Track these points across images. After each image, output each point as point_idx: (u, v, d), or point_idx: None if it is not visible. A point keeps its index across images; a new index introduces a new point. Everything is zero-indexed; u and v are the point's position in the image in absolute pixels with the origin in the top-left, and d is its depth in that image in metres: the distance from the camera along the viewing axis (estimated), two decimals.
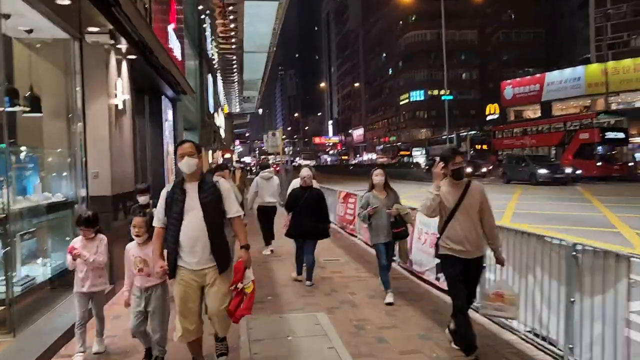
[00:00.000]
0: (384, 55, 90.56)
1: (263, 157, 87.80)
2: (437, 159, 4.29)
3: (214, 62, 22.47)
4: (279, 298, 6.39)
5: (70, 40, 6.16)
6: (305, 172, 7.23)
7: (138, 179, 8.11)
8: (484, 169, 37.82)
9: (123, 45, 6.98)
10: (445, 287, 5.10)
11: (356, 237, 11.13)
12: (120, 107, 6.91)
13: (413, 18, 76.81)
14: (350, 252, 9.58)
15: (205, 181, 3.81)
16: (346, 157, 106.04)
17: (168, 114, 11.61)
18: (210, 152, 25.10)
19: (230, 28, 19.26)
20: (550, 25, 74.38)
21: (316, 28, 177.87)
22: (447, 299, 5.23)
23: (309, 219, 6.88)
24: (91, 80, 6.36)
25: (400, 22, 79.96)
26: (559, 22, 73.91)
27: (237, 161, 21.40)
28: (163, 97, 10.95)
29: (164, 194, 3.82)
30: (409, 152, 67.44)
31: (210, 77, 21.83)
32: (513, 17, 74.02)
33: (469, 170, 37.16)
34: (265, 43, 20.96)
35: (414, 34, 77.21)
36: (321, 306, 5.93)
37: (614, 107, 48.82)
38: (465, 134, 46.14)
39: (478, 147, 43.57)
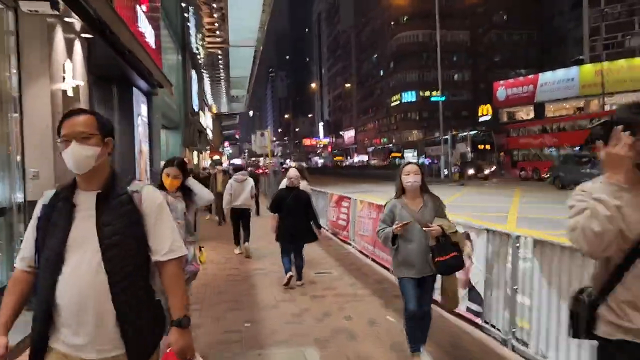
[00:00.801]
0: (376, 56, 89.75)
1: (253, 158, 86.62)
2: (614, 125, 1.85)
3: (199, 58, 21.30)
4: (260, 325, 5.25)
5: (2, 10, 5.02)
6: (292, 172, 7.01)
7: None
8: (487, 171, 36.40)
9: (74, 20, 5.84)
10: None
11: (350, 245, 10.04)
12: (70, 94, 5.76)
13: (405, 19, 76.04)
14: (343, 263, 8.48)
15: (114, 189, 1.99)
16: (340, 159, 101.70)
17: (142, 109, 10.45)
18: (195, 152, 23.93)
19: (214, 19, 18.12)
20: (541, 26, 74.07)
21: (307, 30, 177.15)
22: None
23: (296, 220, 6.67)
24: (31, 60, 5.21)
25: (392, 22, 79.15)
26: (550, 23, 73.59)
27: (214, 162, 19.94)
28: (135, 89, 9.79)
29: (37, 208, 2.02)
30: (400, 154, 66.25)
31: (194, 73, 20.66)
32: (505, 17, 73.59)
33: (471, 171, 36.23)
34: (252, 37, 19.82)
35: (405, 35, 76.41)
36: (310, 337, 4.81)
37: (607, 108, 48.37)
38: (464, 133, 43.64)
39: (481, 147, 40.65)
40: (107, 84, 8.79)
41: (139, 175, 9.83)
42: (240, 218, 9.42)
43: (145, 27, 8.96)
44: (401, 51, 76.82)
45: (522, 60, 72.22)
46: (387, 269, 7.30)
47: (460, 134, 44.24)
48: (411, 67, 75.82)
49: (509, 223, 12.57)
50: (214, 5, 17.53)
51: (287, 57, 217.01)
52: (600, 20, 51.11)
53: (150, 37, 9.44)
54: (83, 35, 6.28)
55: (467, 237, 4.99)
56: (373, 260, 8.46)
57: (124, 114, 9.39)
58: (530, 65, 69.16)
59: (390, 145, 69.21)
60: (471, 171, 36.53)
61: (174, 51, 17.10)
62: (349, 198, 10.41)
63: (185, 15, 17.03)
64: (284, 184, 7.27)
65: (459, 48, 73.21)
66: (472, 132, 42.73)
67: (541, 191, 22.96)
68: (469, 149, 40.22)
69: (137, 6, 8.06)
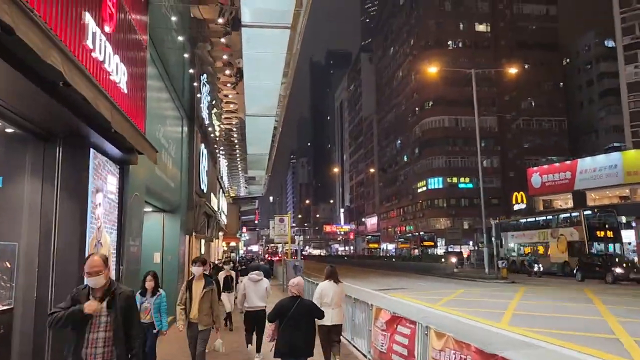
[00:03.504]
0: (399, 142, 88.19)
1: (271, 244, 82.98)
2: None
3: (211, 132, 18.56)
4: None
5: None
6: (295, 280, 6.27)
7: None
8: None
9: None
10: None
11: None
12: None
13: (430, 104, 74.88)
14: None
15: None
16: (376, 246, 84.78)
17: (107, 183, 7.24)
18: (202, 241, 20.56)
19: (229, 89, 15.60)
20: (570, 114, 72.25)
21: (328, 117, 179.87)
22: None
23: (299, 334, 5.92)
24: None
25: (417, 108, 78.11)
26: (579, 111, 71.76)
27: (227, 258, 16.50)
28: (96, 152, 6.63)
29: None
30: (433, 243, 60.89)
31: (204, 149, 17.77)
32: (532, 104, 72.00)
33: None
34: (272, 105, 17.20)
35: (430, 120, 74.87)
36: None
37: None
38: (575, 214, 32.68)
39: (600, 233, 30.65)
40: (37, 141, 5.67)
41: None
42: (255, 321, 8.99)
43: (111, 62, 5.95)
44: (426, 137, 75.04)
45: (551, 147, 69.81)
46: None
47: (562, 216, 34.32)
48: (437, 152, 73.60)
49: None
50: (228, 73, 14.99)
51: (309, 143, 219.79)
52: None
53: (121, 79, 6.43)
54: None
55: None
56: None
57: (69, 187, 6.15)
58: (560, 153, 66.53)
59: (422, 233, 64.50)
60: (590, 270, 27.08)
61: (178, 120, 14.25)
62: (412, 323, 6.73)
63: (194, 83, 14.43)
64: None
65: (487, 134, 70.98)
66: (587, 213, 32.13)
67: None
68: (585, 235, 30.19)
69: (88, 17, 5.07)
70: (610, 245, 30.26)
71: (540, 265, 31.55)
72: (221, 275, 12.37)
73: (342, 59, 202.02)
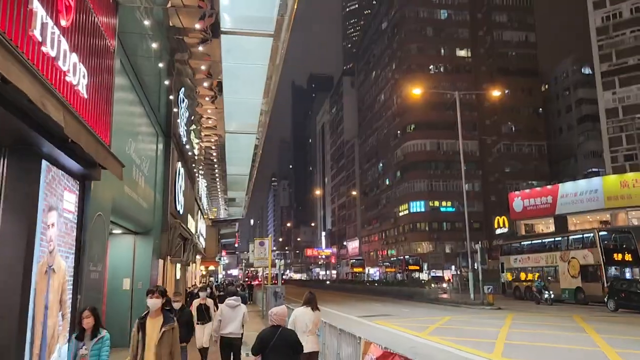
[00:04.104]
0: (381, 165, 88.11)
1: (251, 268, 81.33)
2: None
3: (188, 150, 17.72)
4: None
5: None
6: (277, 309, 5.84)
7: None
8: None
9: None
10: None
11: None
12: None
13: (412, 127, 75.08)
14: None
15: None
16: (361, 270, 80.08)
17: (63, 200, 6.39)
18: (177, 265, 19.53)
19: (210, 105, 14.85)
20: (550, 139, 73.12)
21: (310, 141, 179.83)
22: None
23: None
24: None
25: (399, 131, 78.25)
26: (558, 136, 72.72)
27: (203, 283, 15.31)
28: (48, 165, 5.80)
29: None
30: (418, 267, 58.67)
31: (180, 167, 16.90)
32: (513, 129, 72.68)
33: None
34: (253, 122, 16.43)
35: (412, 144, 74.95)
36: None
37: (635, 222, 44.91)
38: (588, 235, 29.77)
39: (617, 256, 27.87)
40: None
41: (36, 311, 5.55)
42: (231, 349, 8.48)
43: (63, 56, 5.18)
44: (409, 160, 75.03)
45: (532, 171, 70.32)
46: None
47: (573, 237, 31.48)
48: (419, 176, 73.54)
49: None
50: (207, 85, 14.25)
51: (290, 166, 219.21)
52: (619, 131, 49.17)
53: (77, 78, 5.66)
54: None
55: None
56: None
57: (14, 203, 5.30)
58: (540, 177, 67.05)
59: (407, 256, 63.30)
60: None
61: (153, 136, 13.43)
62: (401, 358, 5.93)
63: (172, 95, 13.62)
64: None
65: (468, 158, 71.05)
66: (602, 234, 29.25)
67: None
68: (601, 258, 27.32)
69: (37, 3, 4.32)
70: (627, 269, 27.56)
71: (551, 291, 28.45)
72: (195, 303, 11.09)
73: (324, 83, 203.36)
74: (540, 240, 36.15)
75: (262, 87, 13.16)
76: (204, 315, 10.41)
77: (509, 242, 41.15)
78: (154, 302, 5.59)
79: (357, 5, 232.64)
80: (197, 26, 10.41)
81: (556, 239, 33.52)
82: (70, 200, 6.70)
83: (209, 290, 15.85)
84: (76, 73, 5.62)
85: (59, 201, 6.28)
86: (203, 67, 14.63)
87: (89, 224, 7.25)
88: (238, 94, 13.67)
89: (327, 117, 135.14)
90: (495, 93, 39.22)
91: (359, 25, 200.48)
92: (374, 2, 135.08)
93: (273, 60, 11.66)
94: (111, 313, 11.13)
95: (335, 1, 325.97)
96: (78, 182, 6.99)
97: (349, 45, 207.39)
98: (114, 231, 12.19)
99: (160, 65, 12.11)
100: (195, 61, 14.37)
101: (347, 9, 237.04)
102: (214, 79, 13.63)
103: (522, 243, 38.58)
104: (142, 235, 13.15)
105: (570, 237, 31.66)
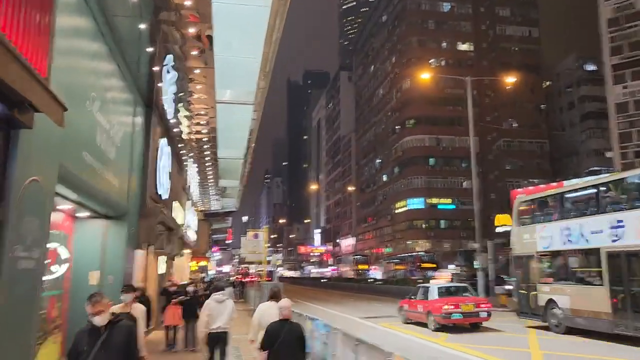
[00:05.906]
0: (378, 160, 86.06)
1: (244, 266, 78.99)
2: None
3: (175, 127, 15.55)
4: None
5: None
6: (284, 302, 6.07)
7: None
8: None
9: None
10: None
11: None
12: None
13: (412, 122, 73.09)
14: None
15: None
16: (366, 267, 75.73)
17: None
18: (160, 258, 17.37)
19: (200, 64, 12.74)
20: (551, 136, 71.61)
21: (305, 137, 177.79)
22: None
23: (292, 358, 5.65)
24: None
25: (397, 126, 76.26)
26: (560, 135, 71.21)
27: (173, 285, 12.70)
28: None
29: None
30: (435, 265, 54.18)
31: (165, 145, 14.71)
32: (514, 125, 71.01)
33: None
34: (249, 90, 14.25)
35: (412, 139, 72.90)
36: None
37: None
38: None
39: None
40: None
41: None
42: (217, 344, 8.11)
43: None
44: (408, 156, 73.04)
45: (533, 169, 68.68)
46: None
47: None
48: (417, 172, 71.56)
49: None
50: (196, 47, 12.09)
51: (285, 163, 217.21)
52: (629, 126, 47.41)
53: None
54: None
55: None
56: None
57: None
58: (541, 175, 65.34)
59: (421, 253, 59.09)
60: None
61: (128, 103, 11.26)
62: None
63: (152, 47, 11.38)
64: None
65: (468, 155, 69.43)
66: None
67: None
68: None
69: None
70: None
71: None
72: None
73: (319, 79, 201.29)
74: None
75: (262, 38, 10.91)
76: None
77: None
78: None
79: (354, 3, 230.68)
80: None
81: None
82: None
83: (192, 288, 13.73)
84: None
85: None
86: (192, 30, 12.47)
87: (16, 190, 5.09)
88: (232, 50, 11.45)
89: (323, 112, 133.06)
90: (510, 79, 37.10)
91: (357, 23, 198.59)
92: None
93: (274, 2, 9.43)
94: (76, 314, 8.90)
95: None
96: (1, 131, 4.85)
97: (346, 43, 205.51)
98: (78, 214, 10.04)
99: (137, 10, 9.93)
100: (183, 21, 12.23)
101: (344, 7, 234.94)
102: (203, 35, 11.47)
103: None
104: (115, 220, 10.99)
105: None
